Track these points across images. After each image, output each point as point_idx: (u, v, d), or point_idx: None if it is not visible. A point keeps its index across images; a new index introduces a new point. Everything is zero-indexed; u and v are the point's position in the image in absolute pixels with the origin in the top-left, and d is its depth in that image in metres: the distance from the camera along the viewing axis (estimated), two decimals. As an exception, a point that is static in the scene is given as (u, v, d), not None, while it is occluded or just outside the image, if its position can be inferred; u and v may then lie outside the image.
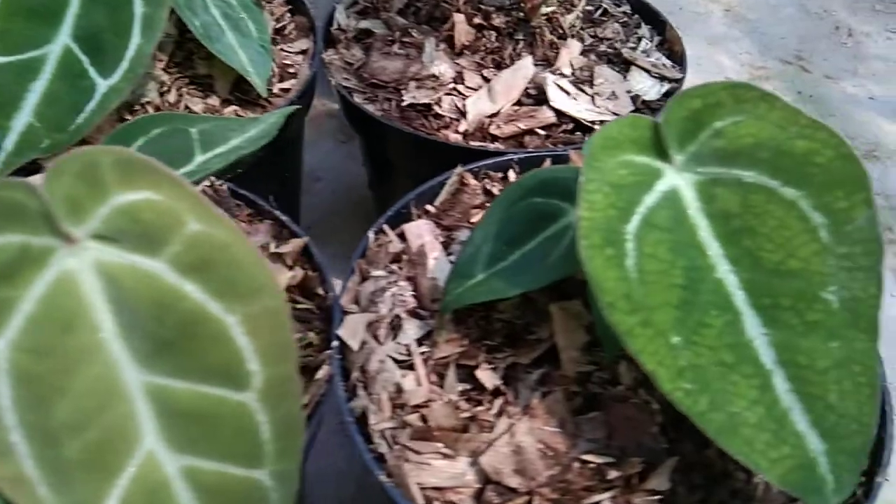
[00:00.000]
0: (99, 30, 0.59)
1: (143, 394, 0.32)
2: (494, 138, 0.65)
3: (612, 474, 0.41)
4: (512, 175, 0.60)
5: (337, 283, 0.52)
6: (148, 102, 0.64)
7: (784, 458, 0.35)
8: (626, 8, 0.82)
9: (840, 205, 0.36)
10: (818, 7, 1.50)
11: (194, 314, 0.32)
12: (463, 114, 0.66)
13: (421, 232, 0.55)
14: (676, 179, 0.40)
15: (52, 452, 0.31)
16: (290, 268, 0.53)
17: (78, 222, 0.31)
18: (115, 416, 0.32)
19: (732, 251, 0.38)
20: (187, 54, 0.67)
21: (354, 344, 0.47)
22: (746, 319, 0.37)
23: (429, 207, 0.59)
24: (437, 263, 0.52)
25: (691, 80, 1.27)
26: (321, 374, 0.45)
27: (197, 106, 0.65)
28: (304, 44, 0.75)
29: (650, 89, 0.70)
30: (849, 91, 1.28)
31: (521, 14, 0.72)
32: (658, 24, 0.80)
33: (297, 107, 0.51)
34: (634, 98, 0.69)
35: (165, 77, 0.65)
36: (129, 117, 0.63)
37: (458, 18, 0.71)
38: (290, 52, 0.74)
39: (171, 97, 0.64)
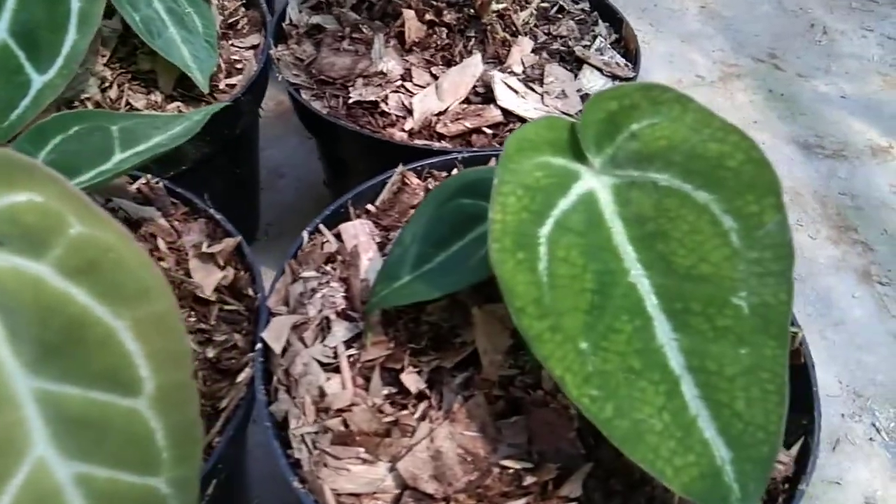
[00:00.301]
0: (35, 25, 0.58)
1: (33, 400, 0.32)
2: (441, 137, 0.64)
3: (529, 480, 0.40)
4: (455, 171, 0.60)
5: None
6: (88, 98, 0.63)
7: (689, 465, 0.34)
8: (585, 5, 0.81)
9: (751, 209, 0.35)
10: (794, 5, 1.49)
11: (80, 318, 0.31)
12: (410, 111, 0.65)
13: (357, 232, 0.54)
14: (593, 182, 0.39)
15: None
16: (222, 268, 0.52)
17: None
18: (3, 422, 0.31)
19: (646, 255, 0.37)
20: (131, 49, 0.66)
21: (277, 347, 0.46)
22: (657, 325, 0.36)
23: (369, 207, 0.58)
24: (372, 264, 0.51)
25: (662, 77, 1.27)
26: (242, 377, 0.45)
27: (139, 102, 0.64)
28: (255, 39, 0.74)
29: (600, 87, 0.69)
30: (820, 89, 1.27)
31: (473, 11, 0.71)
32: (615, 21, 0.79)
33: (226, 103, 0.50)
34: (584, 97, 0.68)
35: (107, 73, 0.64)
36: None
37: (409, 15, 0.70)
38: (241, 48, 0.73)
39: (113, 93, 0.63)
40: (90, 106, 0.62)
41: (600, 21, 0.79)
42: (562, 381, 0.35)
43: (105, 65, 0.65)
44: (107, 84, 0.64)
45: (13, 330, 0.31)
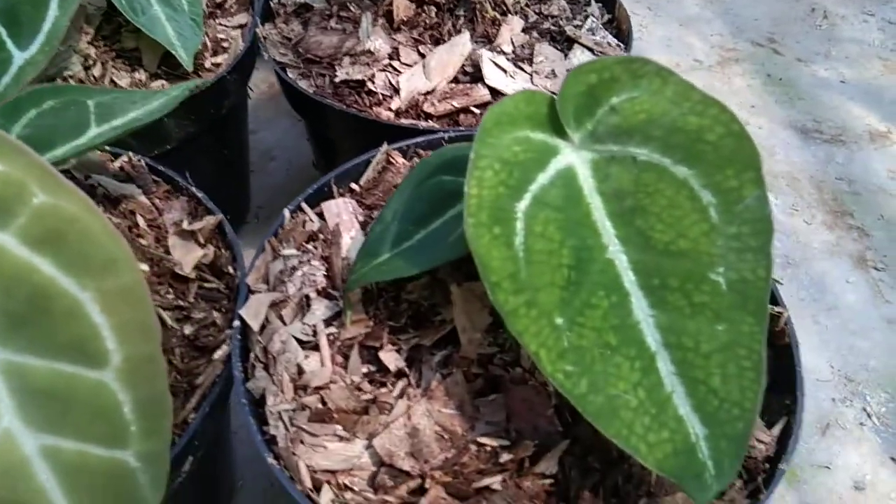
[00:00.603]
0: (16, 2, 0.58)
1: (-2, 371, 0.31)
2: (428, 116, 0.64)
3: (505, 457, 0.40)
4: (441, 152, 0.59)
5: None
6: (71, 76, 0.62)
7: (663, 442, 0.34)
8: (578, -15, 0.80)
9: (730, 184, 0.35)
10: (795, -12, 1.48)
11: (45, 289, 0.31)
12: (397, 91, 0.65)
13: (339, 210, 0.54)
14: (573, 157, 0.39)
15: None
16: (202, 245, 0.51)
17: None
18: (-35, 394, 0.30)
19: (624, 231, 0.37)
20: (115, 27, 0.65)
21: (255, 324, 0.46)
22: (634, 301, 0.36)
23: (354, 186, 0.58)
24: (354, 242, 0.51)
25: (660, 61, 1.25)
26: (219, 354, 0.44)
27: (123, 80, 0.63)
28: (243, 18, 0.74)
29: (591, 68, 0.68)
30: (820, 74, 1.26)
31: (463, -11, 0.70)
32: (608, 2, 0.78)
33: (201, 80, 0.50)
34: (575, 76, 0.68)
35: (91, 50, 0.64)
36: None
37: (398, -7, 0.69)
38: (228, 27, 0.72)
39: (97, 71, 0.63)
40: (73, 83, 0.61)
41: (593, 1, 0.78)
42: (536, 357, 0.35)
43: (89, 42, 0.64)
44: (91, 62, 0.63)
45: (-23, 300, 0.31)
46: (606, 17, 0.76)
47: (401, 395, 0.43)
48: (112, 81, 0.63)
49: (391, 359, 0.44)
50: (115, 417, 0.33)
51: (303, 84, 0.66)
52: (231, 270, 0.50)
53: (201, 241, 0.51)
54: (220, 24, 0.72)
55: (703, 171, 0.35)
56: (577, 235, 0.37)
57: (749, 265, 0.35)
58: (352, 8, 0.71)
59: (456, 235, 0.42)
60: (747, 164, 0.35)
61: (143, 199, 0.53)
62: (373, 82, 0.65)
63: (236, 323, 0.46)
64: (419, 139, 0.60)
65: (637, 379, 0.34)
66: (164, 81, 0.64)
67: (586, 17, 0.75)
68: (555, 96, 0.40)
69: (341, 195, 0.56)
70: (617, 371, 0.35)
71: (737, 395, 0.34)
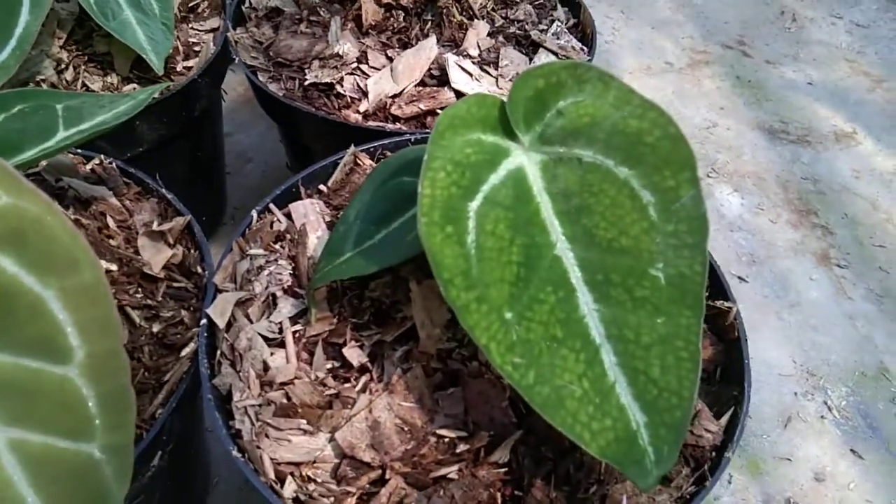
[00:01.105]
0: (-13, 6, 0.58)
1: (-36, 368, 0.32)
2: (396, 118, 0.65)
3: (462, 448, 0.42)
4: (408, 154, 0.61)
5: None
6: (43, 80, 0.63)
7: (606, 430, 0.35)
8: (546, -10, 0.82)
9: (668, 183, 0.37)
10: (766, -8, 1.51)
11: (9, 287, 0.32)
12: (365, 93, 0.66)
13: (306, 211, 0.55)
14: (522, 158, 0.40)
15: None
16: (171, 246, 0.53)
17: None
18: (-69, 389, 0.32)
19: (571, 229, 0.38)
20: (87, 32, 0.66)
21: (221, 322, 0.47)
22: (580, 296, 0.37)
23: (321, 187, 0.59)
24: (320, 242, 0.52)
25: (631, 63, 1.28)
26: (186, 351, 0.46)
27: (95, 84, 0.64)
28: (215, 22, 0.75)
29: (556, 71, 0.70)
30: (788, 76, 1.29)
31: (431, -6, 0.72)
32: (574, 6, 0.80)
33: (169, 83, 0.51)
34: (539, 80, 0.69)
35: (63, 55, 0.65)
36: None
37: (367, -1, 0.71)
38: (200, 31, 0.73)
39: (69, 75, 0.64)
40: (46, 87, 0.62)
41: (559, 6, 0.80)
42: (486, 350, 0.36)
43: (61, 47, 0.65)
44: (63, 66, 0.64)
45: (-58, 299, 0.32)
46: (572, 21, 0.78)
47: (363, 390, 0.44)
48: (84, 85, 0.64)
49: (354, 355, 0.46)
50: (80, 411, 0.34)
51: (273, 87, 0.68)
52: (199, 270, 0.51)
53: (170, 241, 0.52)
54: (192, 29, 0.73)
55: (642, 171, 0.37)
56: (527, 233, 0.39)
57: (686, 261, 0.36)
58: (321, 12, 0.73)
59: (413, 234, 0.44)
60: (683, 165, 0.36)
61: (113, 200, 0.54)
62: (341, 85, 0.66)
63: (203, 321, 0.47)
64: (386, 141, 0.61)
65: (582, 370, 0.36)
66: (136, 85, 0.65)
67: (552, 22, 0.77)
68: (505, 100, 0.42)
69: (309, 196, 0.58)
70: (563, 363, 0.36)
71: (675, 385, 0.36)
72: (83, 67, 0.65)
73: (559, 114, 0.40)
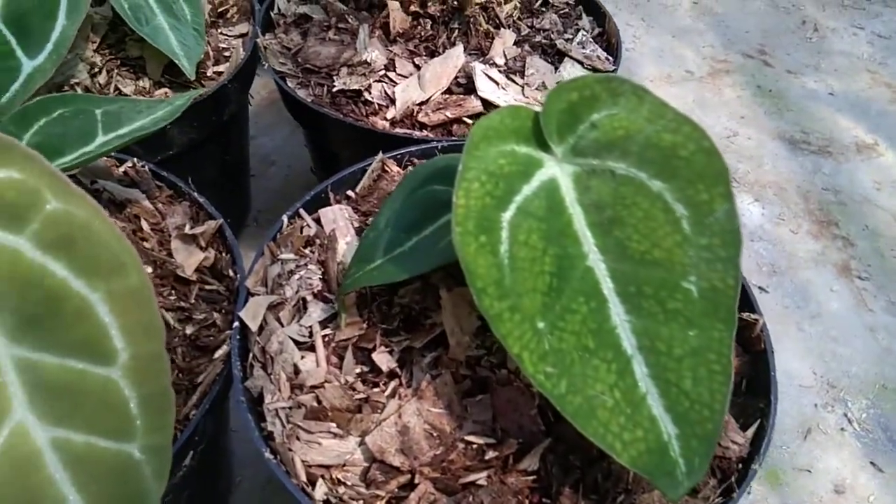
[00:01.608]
0: (26, 11, 0.60)
1: (13, 367, 0.33)
2: (422, 126, 0.66)
3: (491, 454, 0.42)
4: (435, 161, 0.61)
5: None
6: (77, 83, 0.64)
7: (637, 440, 0.36)
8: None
9: (701, 197, 0.37)
10: (787, 2, 1.50)
11: (57, 290, 0.33)
12: (392, 101, 0.67)
13: (335, 217, 0.56)
14: (555, 170, 0.41)
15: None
16: (203, 249, 0.53)
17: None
18: (-18, 389, 0.32)
19: (603, 241, 0.39)
20: (121, 36, 0.67)
21: (254, 325, 0.48)
22: (611, 307, 0.38)
23: (350, 193, 0.60)
24: (349, 248, 0.53)
25: (651, 71, 1.28)
26: (219, 353, 0.46)
27: (128, 88, 0.65)
28: (244, 27, 0.76)
29: (581, 80, 0.70)
30: (809, 86, 1.28)
31: (456, 3, 0.73)
32: (599, 15, 0.81)
33: (203, 90, 0.52)
34: (565, 89, 0.70)
35: (97, 59, 0.66)
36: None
37: (394, 6, 0.72)
38: (229, 36, 0.74)
39: (102, 79, 0.65)
40: (80, 91, 0.64)
41: (584, 15, 0.81)
42: (519, 359, 0.37)
43: (95, 51, 0.66)
44: (96, 70, 0.65)
45: (-6, 300, 0.33)
46: (597, 30, 0.79)
47: (392, 395, 0.45)
48: (117, 89, 0.65)
49: (384, 360, 0.46)
50: (122, 412, 0.35)
51: (301, 93, 0.69)
52: (231, 273, 0.52)
53: (202, 244, 0.53)
54: (222, 34, 0.74)
55: (676, 185, 0.37)
56: (559, 244, 0.39)
57: (719, 274, 0.37)
58: (349, 20, 0.74)
59: (445, 242, 0.44)
60: (717, 180, 0.37)
61: (146, 203, 0.55)
62: (369, 92, 0.67)
63: (236, 324, 0.48)
64: (413, 148, 0.62)
65: (613, 381, 0.37)
66: (167, 89, 0.66)
67: (577, 31, 0.77)
68: (539, 111, 0.42)
69: (338, 202, 0.58)
70: (595, 373, 0.37)
71: (707, 397, 0.36)
72: (116, 71, 0.66)
73: (592, 126, 0.40)
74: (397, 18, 0.71)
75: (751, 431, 0.47)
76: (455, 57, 0.68)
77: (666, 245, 0.37)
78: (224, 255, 0.53)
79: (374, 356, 0.46)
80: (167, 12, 0.66)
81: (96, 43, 0.66)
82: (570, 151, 0.41)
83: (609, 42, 0.77)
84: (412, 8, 0.73)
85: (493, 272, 0.38)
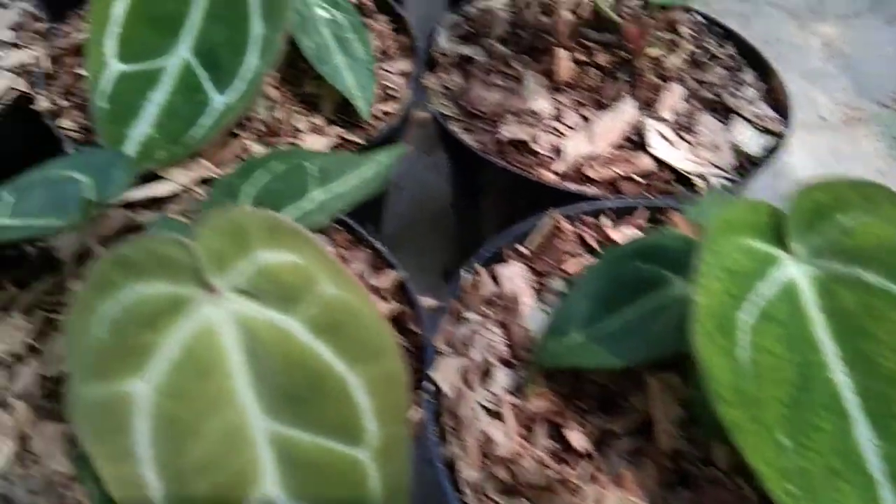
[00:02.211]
0: (217, 45, 0.61)
1: (268, 441, 0.34)
2: (590, 181, 0.65)
3: (698, 555, 0.41)
4: (605, 221, 0.60)
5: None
6: (257, 118, 0.66)
7: (885, 573, 0.34)
8: (731, 50, 0.80)
9: (970, 322, 0.35)
10: (921, 45, 1.43)
11: (321, 372, 0.33)
12: (559, 153, 0.66)
13: (513, 276, 0.55)
14: (796, 271, 0.39)
15: (181, 490, 0.33)
16: (386, 300, 0.54)
17: (222, 276, 0.33)
18: (241, 460, 0.33)
19: (848, 353, 0.37)
20: (297, 73, 0.69)
21: (447, 388, 0.48)
22: (859, 427, 0.36)
23: (520, 248, 0.59)
24: (530, 312, 0.53)
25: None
26: (413, 415, 0.47)
27: (301, 124, 0.67)
28: (404, 64, 0.76)
29: (752, 142, 0.69)
30: (948, 140, 1.22)
31: (625, 53, 0.72)
32: (762, 69, 0.78)
33: (409, 148, 0.52)
34: (735, 150, 0.68)
35: (275, 94, 0.67)
36: (236, 130, 0.65)
37: (561, 53, 0.71)
38: (391, 73, 0.75)
39: (279, 114, 0.66)
40: (259, 126, 0.65)
41: (747, 67, 0.79)
42: (758, 472, 0.36)
43: (273, 86, 0.67)
44: (274, 104, 0.66)
45: (259, 376, 0.33)
46: (761, 85, 0.76)
47: (590, 479, 0.44)
48: (292, 125, 0.66)
49: (578, 439, 0.46)
50: (365, 491, 0.35)
51: (466, 138, 0.69)
52: (413, 328, 0.52)
53: (385, 295, 0.54)
54: (384, 70, 0.75)
55: (940, 305, 0.36)
56: (800, 352, 0.38)
57: (984, 405, 0.35)
58: (514, 64, 0.73)
59: (660, 331, 0.43)
60: None
61: (330, 248, 0.55)
62: (536, 142, 0.67)
63: (429, 386, 0.48)
64: (583, 205, 0.61)
65: (860, 506, 0.35)
66: (338, 128, 0.67)
67: (741, 84, 0.75)
68: (777, 207, 0.41)
69: (509, 257, 0.58)
70: (841, 497, 0.35)
71: (964, 535, 0.34)
72: (292, 107, 0.67)
73: (839, 229, 0.39)
74: (563, 66, 0.71)
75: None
76: (626, 111, 0.67)
77: (924, 367, 0.36)
78: (407, 308, 0.53)
79: (567, 433, 0.46)
80: (344, 51, 0.67)
81: (276, 78, 0.68)
82: (812, 253, 0.40)
83: (776, 100, 0.74)
84: (577, 55, 0.72)
85: (732, 377, 0.37)
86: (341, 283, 0.33)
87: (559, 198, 0.62)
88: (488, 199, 0.75)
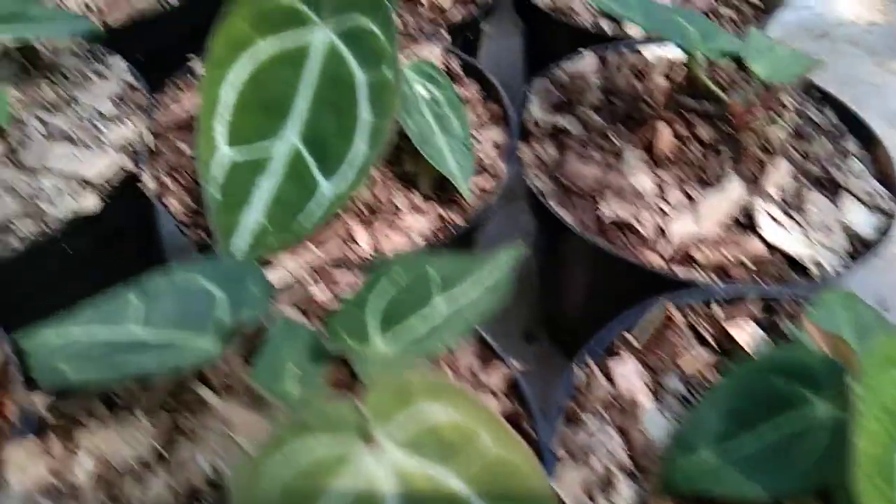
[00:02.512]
0: (324, 132, 0.62)
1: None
2: (697, 265, 0.63)
3: None
4: (717, 310, 0.58)
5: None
6: (358, 197, 0.66)
7: None
8: (832, 115, 0.78)
9: None
10: None
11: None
12: (663, 233, 0.65)
13: (628, 374, 0.54)
14: (960, 411, 0.38)
15: None
16: (496, 396, 0.53)
17: (384, 431, 0.32)
18: None
19: None
20: (396, 151, 0.69)
21: (570, 502, 0.47)
22: None
23: (629, 338, 0.58)
24: (649, 415, 0.51)
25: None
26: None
27: (400, 201, 0.67)
28: (496, 133, 0.76)
29: (864, 222, 0.66)
30: None
31: (728, 125, 0.70)
32: (865, 135, 0.76)
33: (521, 250, 0.51)
34: (846, 231, 0.66)
35: (376, 173, 0.67)
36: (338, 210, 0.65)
37: (661, 127, 0.70)
38: (484, 143, 0.74)
39: (380, 192, 0.67)
40: (360, 205, 0.65)
41: (848, 134, 0.76)
42: None
43: (374, 166, 0.68)
44: (375, 183, 0.67)
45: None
46: (866, 157, 0.74)
47: None
48: (392, 203, 0.66)
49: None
50: None
51: (564, 215, 0.68)
52: (528, 429, 0.51)
53: (496, 392, 0.53)
54: (475, 139, 0.74)
55: None
56: (970, 502, 0.36)
57: None
58: (611, 137, 0.72)
59: (807, 461, 0.42)
60: None
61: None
62: (640, 223, 0.65)
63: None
64: (693, 292, 0.59)
65: None
66: (436, 204, 0.67)
67: (845, 156, 0.73)
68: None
69: (619, 349, 0.57)
70: None
71: None
72: (391, 184, 0.67)
73: None
74: (664, 141, 0.69)
75: None
76: (733, 191, 0.65)
77: None
78: (518, 406, 0.53)
79: (701, 556, 0.44)
80: (443, 129, 0.67)
81: (377, 157, 0.68)
82: (979, 393, 0.38)
83: (883, 174, 0.72)
84: (678, 128, 0.70)
85: (896, 527, 0.35)
86: (504, 443, 0.32)
87: (663, 283, 0.61)
88: (578, 270, 0.74)
